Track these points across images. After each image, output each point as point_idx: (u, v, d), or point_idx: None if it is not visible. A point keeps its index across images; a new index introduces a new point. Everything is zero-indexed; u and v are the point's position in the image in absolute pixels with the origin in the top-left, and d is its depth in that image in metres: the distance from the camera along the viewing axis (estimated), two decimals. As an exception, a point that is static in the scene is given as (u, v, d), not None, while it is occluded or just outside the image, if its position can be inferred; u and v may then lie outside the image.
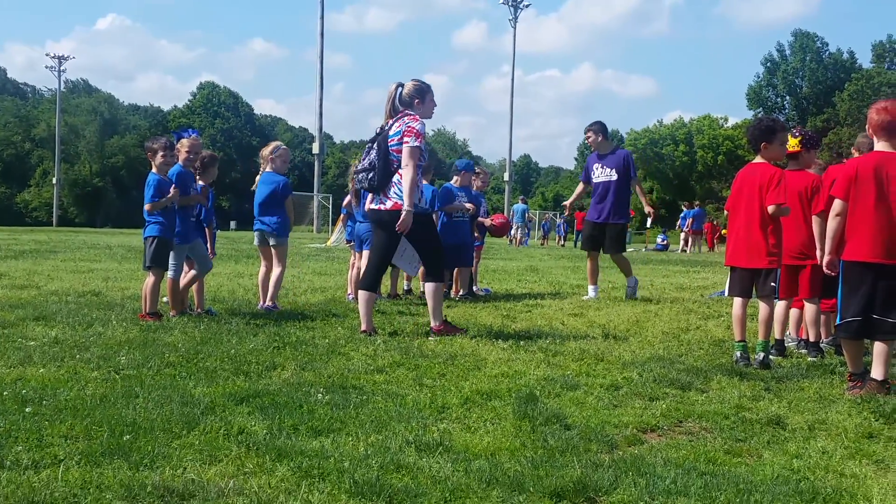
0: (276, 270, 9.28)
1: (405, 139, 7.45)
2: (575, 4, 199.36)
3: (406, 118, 7.57)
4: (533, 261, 22.72)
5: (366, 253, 9.83)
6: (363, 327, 7.64)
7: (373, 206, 7.72)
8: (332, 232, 34.58)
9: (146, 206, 8.02)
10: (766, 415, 4.89)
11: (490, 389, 5.31)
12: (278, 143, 9.83)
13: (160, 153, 8.13)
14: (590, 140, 11.75)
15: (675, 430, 4.62)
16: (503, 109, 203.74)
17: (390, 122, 7.66)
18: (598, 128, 11.64)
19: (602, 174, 11.47)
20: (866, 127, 5.90)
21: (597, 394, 5.32)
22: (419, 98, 7.71)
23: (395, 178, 7.52)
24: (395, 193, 7.50)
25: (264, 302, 9.23)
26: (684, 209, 40.51)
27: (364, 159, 7.72)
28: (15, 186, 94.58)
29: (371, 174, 7.56)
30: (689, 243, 38.30)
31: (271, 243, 9.36)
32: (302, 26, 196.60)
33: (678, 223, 39.31)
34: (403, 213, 7.37)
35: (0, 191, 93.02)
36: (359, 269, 10.15)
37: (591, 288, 11.68)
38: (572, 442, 4.19)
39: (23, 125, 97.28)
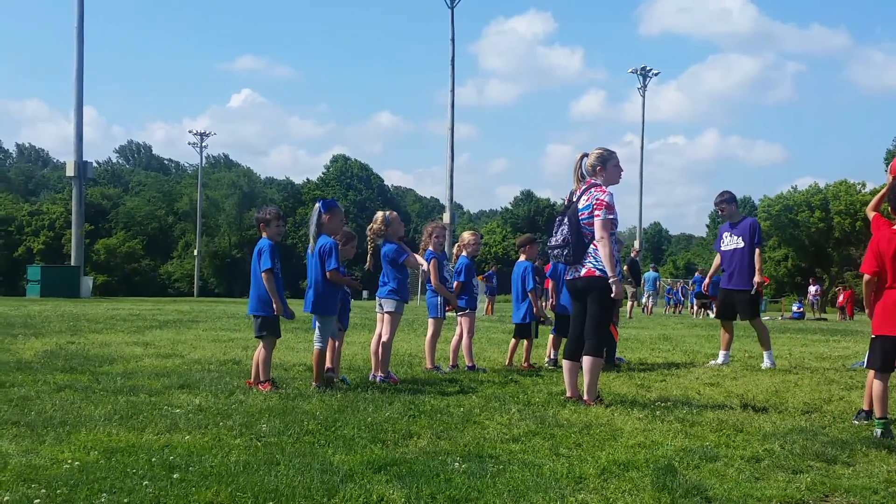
0: (383, 338, 9.18)
1: (596, 212, 7.54)
2: (693, 73, 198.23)
3: (594, 190, 7.66)
4: (665, 329, 22.32)
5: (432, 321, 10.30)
6: (568, 393, 7.77)
7: (569, 277, 7.87)
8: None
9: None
10: (919, 490, 4.68)
11: (627, 460, 5.24)
12: (381, 212, 9.56)
13: (274, 223, 8.44)
14: (723, 211, 12.14)
15: (821, 504, 4.47)
16: (627, 178, 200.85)
17: (578, 193, 7.77)
18: (729, 197, 12.10)
19: (731, 242, 11.91)
20: None
21: (737, 465, 5.19)
22: (601, 165, 7.77)
23: (590, 248, 7.61)
24: (589, 262, 7.59)
25: (376, 372, 9.19)
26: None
27: (556, 234, 7.81)
28: (159, 258, 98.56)
29: (566, 250, 7.67)
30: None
31: (385, 309, 9.31)
32: (425, 99, 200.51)
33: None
34: (611, 282, 7.46)
35: (145, 263, 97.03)
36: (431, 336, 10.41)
37: (721, 353, 11.94)
38: (714, 515, 4.10)
39: (166, 200, 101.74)
